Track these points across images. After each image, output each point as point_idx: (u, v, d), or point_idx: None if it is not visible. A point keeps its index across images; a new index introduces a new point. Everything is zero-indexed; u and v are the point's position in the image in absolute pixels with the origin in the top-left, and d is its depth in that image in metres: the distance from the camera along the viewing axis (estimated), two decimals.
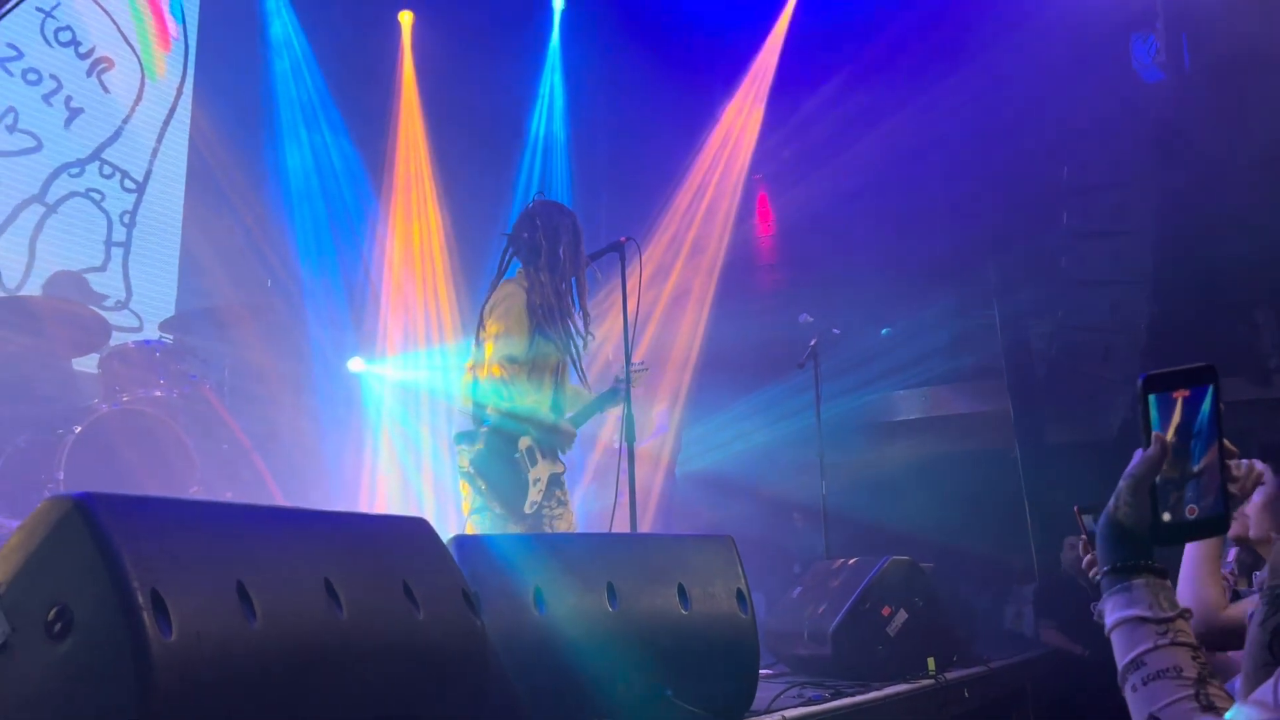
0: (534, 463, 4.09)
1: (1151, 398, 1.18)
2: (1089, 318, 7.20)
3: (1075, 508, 2.21)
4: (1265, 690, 1.05)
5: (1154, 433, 1.18)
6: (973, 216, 7.98)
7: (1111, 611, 1.19)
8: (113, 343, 5.49)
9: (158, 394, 5.27)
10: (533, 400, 4.09)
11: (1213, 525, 1.17)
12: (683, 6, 8.81)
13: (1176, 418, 1.17)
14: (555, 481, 4.18)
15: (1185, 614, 1.17)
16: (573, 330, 4.25)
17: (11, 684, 1.68)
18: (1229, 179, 6.97)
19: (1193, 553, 2.30)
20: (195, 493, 5.06)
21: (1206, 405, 1.16)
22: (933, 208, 8.25)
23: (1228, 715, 1.07)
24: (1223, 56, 7.12)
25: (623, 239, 4.39)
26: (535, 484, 4.08)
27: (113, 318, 5.87)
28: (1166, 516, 1.17)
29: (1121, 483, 1.20)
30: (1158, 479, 1.17)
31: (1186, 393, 1.17)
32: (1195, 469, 1.16)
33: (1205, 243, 6.88)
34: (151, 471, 4.97)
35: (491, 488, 4.03)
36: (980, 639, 5.46)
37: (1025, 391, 7.44)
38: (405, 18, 8.63)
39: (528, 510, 4.06)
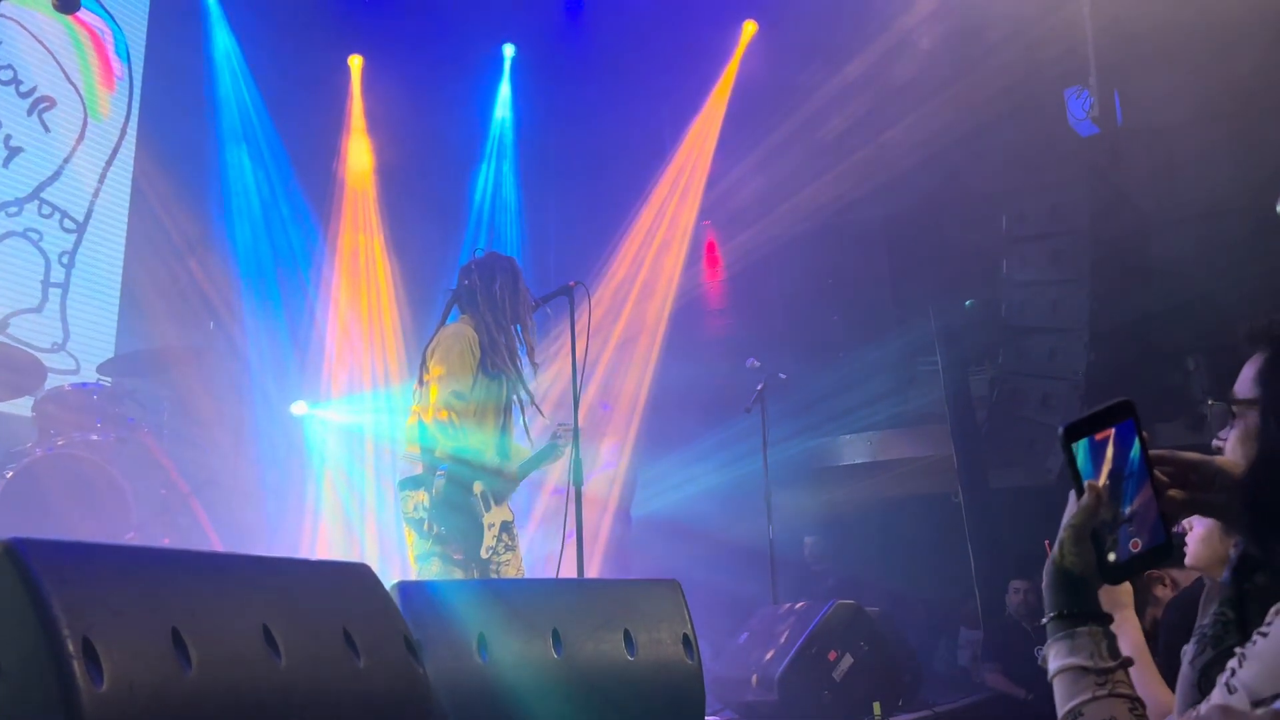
0: (488, 508, 4.07)
1: (1076, 445, 1.20)
2: (1028, 365, 7.34)
3: (1047, 542, 2.22)
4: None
5: (1087, 481, 1.19)
6: (915, 264, 8.14)
7: (1054, 659, 1.21)
8: (48, 385, 5.37)
9: (94, 438, 5.16)
10: (477, 443, 4.07)
11: (1158, 554, 1.19)
12: (633, 54, 8.93)
13: (1108, 461, 1.19)
14: (505, 528, 4.17)
15: (1126, 664, 1.18)
16: (517, 371, 4.24)
17: None
18: (1161, 230, 7.20)
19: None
20: (131, 539, 4.95)
21: (1136, 447, 1.18)
22: (876, 255, 8.40)
23: None
24: (1154, 112, 7.38)
25: (572, 283, 4.42)
26: (489, 529, 4.05)
27: (49, 360, 5.74)
28: (1112, 557, 1.19)
29: (1062, 532, 1.21)
30: (1096, 523, 1.19)
31: (1110, 432, 1.19)
32: (1131, 509, 1.18)
33: (1139, 292, 7.09)
34: (86, 517, 4.85)
35: (448, 533, 3.99)
36: (926, 683, 5.48)
37: (968, 437, 7.55)
38: (355, 61, 8.63)
39: (484, 555, 4.03)
